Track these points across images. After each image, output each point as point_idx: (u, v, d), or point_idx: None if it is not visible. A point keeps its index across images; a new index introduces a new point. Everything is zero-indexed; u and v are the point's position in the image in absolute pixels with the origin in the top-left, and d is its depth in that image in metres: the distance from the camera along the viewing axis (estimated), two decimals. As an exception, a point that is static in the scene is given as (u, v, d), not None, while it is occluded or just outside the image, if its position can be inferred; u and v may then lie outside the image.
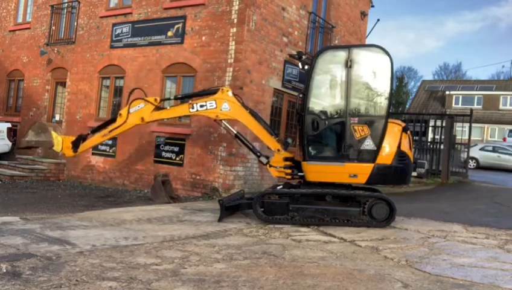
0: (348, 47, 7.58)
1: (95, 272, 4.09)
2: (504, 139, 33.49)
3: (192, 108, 7.95)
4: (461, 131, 17.64)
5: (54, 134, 8.90)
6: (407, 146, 7.34)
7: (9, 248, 4.77)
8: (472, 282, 4.35)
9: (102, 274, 4.05)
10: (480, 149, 25.38)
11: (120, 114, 8.38)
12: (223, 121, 8.06)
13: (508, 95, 38.82)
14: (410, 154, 7.40)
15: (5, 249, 4.71)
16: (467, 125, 16.59)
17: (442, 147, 15.57)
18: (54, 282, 3.77)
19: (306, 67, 7.76)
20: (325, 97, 7.48)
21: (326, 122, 7.27)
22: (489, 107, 38.74)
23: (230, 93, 7.85)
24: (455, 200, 11.49)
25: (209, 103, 7.86)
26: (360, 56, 7.23)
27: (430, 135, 16.57)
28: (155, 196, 9.82)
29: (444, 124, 15.74)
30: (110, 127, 8.44)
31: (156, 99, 8.31)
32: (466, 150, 17.26)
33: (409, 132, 7.52)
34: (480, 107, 38.33)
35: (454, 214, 8.91)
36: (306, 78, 7.57)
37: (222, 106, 7.81)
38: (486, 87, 41.72)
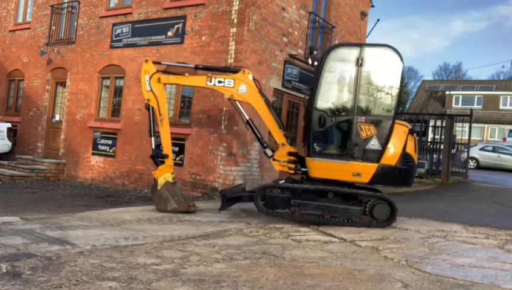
0: (360, 45, 7.49)
1: (95, 272, 4.09)
2: (504, 139, 33.48)
3: (210, 81, 7.91)
4: (461, 131, 17.66)
5: (160, 180, 8.14)
6: (413, 148, 7.32)
7: (9, 248, 4.77)
8: (472, 282, 4.35)
9: (102, 274, 4.05)
10: (480, 149, 25.37)
11: (148, 99, 8.20)
12: (236, 102, 8.01)
13: (508, 95, 38.83)
14: (415, 156, 7.39)
15: (5, 249, 4.71)
16: (467, 125, 16.60)
17: (442, 147, 15.58)
18: (54, 282, 3.77)
19: (315, 63, 7.74)
20: (333, 94, 7.41)
21: (333, 120, 7.24)
22: (489, 107, 38.74)
23: (250, 76, 7.83)
24: (455, 200, 11.49)
25: (228, 81, 7.84)
26: (372, 55, 7.18)
27: (430, 135, 16.58)
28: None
29: (444, 124, 15.74)
30: (157, 117, 8.16)
31: (150, 61, 8.36)
32: (466, 150, 17.27)
33: (415, 134, 7.50)
34: (480, 107, 38.34)
35: (454, 214, 8.91)
36: (315, 74, 7.54)
37: (240, 87, 7.79)
38: (486, 87, 41.73)
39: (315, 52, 8.12)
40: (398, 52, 7.13)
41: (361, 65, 7.11)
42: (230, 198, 7.57)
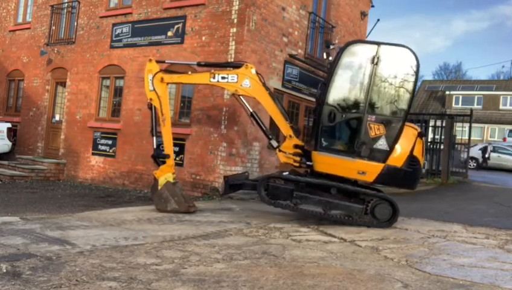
0: (378, 43, 7.30)
1: (95, 272, 4.09)
2: (504, 139, 33.48)
3: (214, 78, 7.90)
4: (461, 131, 17.65)
5: (161, 180, 8.08)
6: (420, 152, 7.28)
7: (9, 248, 4.77)
8: (472, 282, 4.35)
9: (102, 274, 4.05)
10: (480, 149, 25.36)
11: (150, 99, 8.11)
12: (240, 96, 8.02)
13: (508, 95, 38.83)
14: (422, 160, 7.35)
15: (5, 249, 4.71)
16: (467, 125, 16.59)
17: (442, 147, 15.58)
18: (54, 282, 3.77)
19: (330, 58, 7.70)
20: (345, 90, 7.32)
21: (343, 116, 7.20)
22: (489, 107, 38.75)
23: (253, 70, 7.82)
24: (455, 200, 11.48)
25: (231, 76, 7.83)
26: (388, 54, 7.09)
27: (430, 135, 16.57)
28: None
29: (444, 124, 15.74)
30: (159, 116, 8.08)
31: (153, 60, 8.25)
32: (466, 150, 17.26)
33: (423, 138, 7.46)
34: (480, 107, 38.35)
35: (454, 214, 8.91)
36: (329, 69, 7.49)
37: (243, 81, 7.79)
38: (486, 87, 41.73)
39: (331, 47, 8.07)
40: (415, 54, 7.04)
41: (376, 63, 7.02)
42: (232, 185, 7.57)
